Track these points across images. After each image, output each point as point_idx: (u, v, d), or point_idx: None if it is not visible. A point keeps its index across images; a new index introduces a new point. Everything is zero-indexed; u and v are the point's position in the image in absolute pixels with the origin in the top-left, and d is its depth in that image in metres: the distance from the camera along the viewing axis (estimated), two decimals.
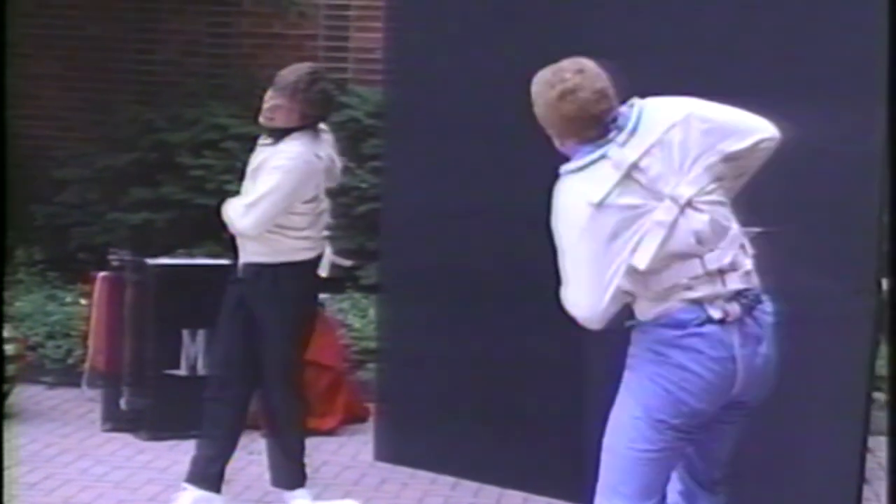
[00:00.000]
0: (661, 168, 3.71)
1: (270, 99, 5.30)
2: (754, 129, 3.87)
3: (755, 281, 3.85)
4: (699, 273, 3.74)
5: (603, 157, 3.71)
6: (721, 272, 3.77)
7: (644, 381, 3.79)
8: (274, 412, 5.48)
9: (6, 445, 6.25)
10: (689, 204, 3.72)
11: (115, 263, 6.89)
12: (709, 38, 5.24)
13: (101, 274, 6.97)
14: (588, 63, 3.78)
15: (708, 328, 3.74)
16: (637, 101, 3.80)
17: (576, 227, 3.69)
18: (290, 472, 5.49)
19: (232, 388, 5.43)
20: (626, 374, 3.87)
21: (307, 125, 5.29)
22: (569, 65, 3.78)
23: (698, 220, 3.74)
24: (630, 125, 3.74)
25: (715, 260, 3.76)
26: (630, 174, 3.69)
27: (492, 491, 5.93)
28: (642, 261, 3.68)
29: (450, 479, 6.05)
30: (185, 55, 9.91)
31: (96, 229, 9.03)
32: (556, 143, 3.84)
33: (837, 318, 4.91)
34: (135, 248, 7.61)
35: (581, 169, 3.73)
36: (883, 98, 4.76)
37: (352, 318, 7.81)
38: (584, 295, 3.72)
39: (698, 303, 3.74)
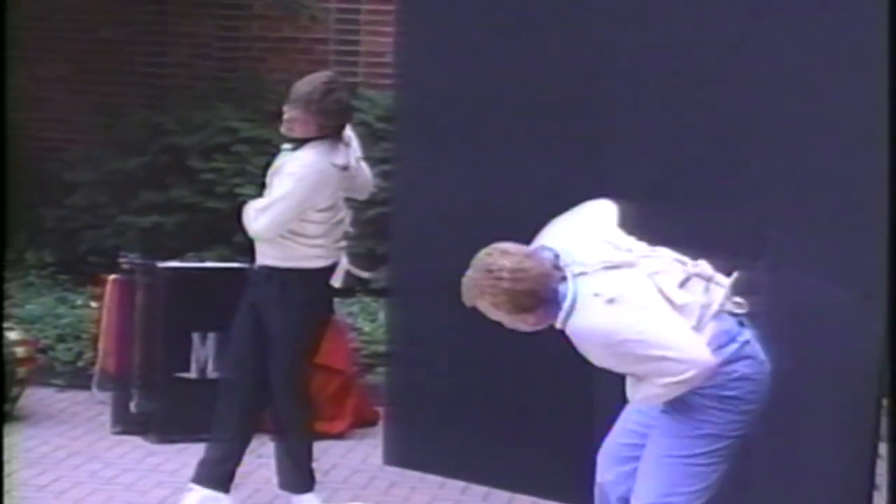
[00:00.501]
0: (612, 252, 3.98)
1: (287, 111, 5.32)
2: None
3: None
4: (703, 286, 3.98)
5: (575, 278, 3.90)
6: (710, 277, 4.04)
7: (701, 400, 3.94)
8: (279, 416, 5.49)
9: (15, 448, 6.29)
10: (648, 251, 4.02)
11: (125, 266, 6.90)
12: (714, 44, 5.24)
13: (112, 277, 6.97)
14: (500, 245, 4.00)
15: (748, 333, 3.98)
16: (544, 240, 4.06)
17: (628, 324, 3.85)
18: (298, 476, 5.50)
19: (243, 391, 5.44)
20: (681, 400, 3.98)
21: (326, 134, 5.31)
22: (489, 259, 3.97)
23: (666, 253, 4.03)
24: (563, 251, 3.98)
25: (703, 268, 4.03)
26: (607, 269, 3.92)
27: (501, 495, 5.93)
28: (679, 296, 3.89)
29: (459, 484, 6.05)
30: (195, 58, 9.92)
31: (106, 232, 9.04)
32: (532, 321, 3.98)
33: (846, 324, 4.90)
34: (145, 251, 7.62)
35: (573, 308, 3.89)
36: (885, 107, 4.76)
37: (361, 321, 7.82)
38: (689, 348, 3.84)
39: (722, 312, 3.97)
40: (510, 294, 3.91)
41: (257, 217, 5.27)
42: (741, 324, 4.00)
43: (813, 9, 5.03)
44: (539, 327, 4.01)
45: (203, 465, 5.46)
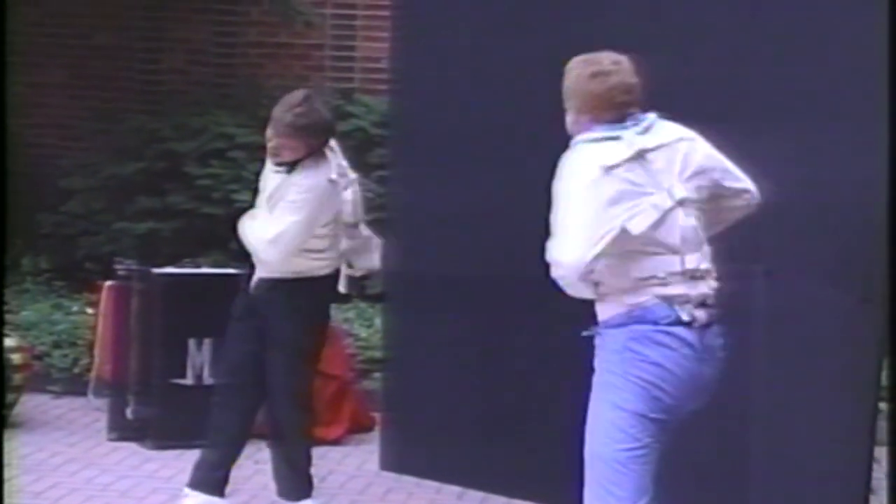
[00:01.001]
0: (663, 165, 3.98)
1: (272, 138, 5.30)
2: (745, 179, 4.20)
3: (713, 304, 4.04)
4: (676, 270, 3.95)
5: (617, 138, 3.97)
6: (693, 277, 3.98)
7: (619, 380, 3.93)
8: (279, 422, 5.48)
9: (11, 454, 6.28)
10: (681, 203, 3.97)
11: (121, 273, 6.90)
12: (715, 45, 5.23)
13: (108, 283, 6.97)
14: (627, 61, 4.07)
15: (678, 329, 3.93)
16: (654, 114, 4.08)
17: (582, 183, 3.91)
18: (296, 483, 5.49)
19: (239, 396, 5.44)
20: (598, 379, 4.00)
21: (314, 151, 5.31)
22: (609, 55, 4.08)
23: (686, 221, 3.98)
24: (644, 124, 4.03)
25: (693, 261, 3.98)
26: (638, 157, 3.94)
27: (497, 501, 5.92)
28: (637, 227, 3.90)
29: (455, 489, 6.05)
30: (191, 64, 9.93)
31: (102, 238, 9.04)
32: (570, 119, 4.09)
33: (844, 328, 4.90)
34: (141, 257, 7.62)
35: (595, 141, 3.98)
36: (885, 109, 4.76)
37: (358, 327, 7.81)
38: (574, 245, 3.87)
39: (669, 301, 3.93)
40: (577, 80, 4.05)
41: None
42: (686, 325, 3.92)
43: (814, 11, 5.03)
44: (569, 128, 4.08)
45: (198, 468, 5.46)
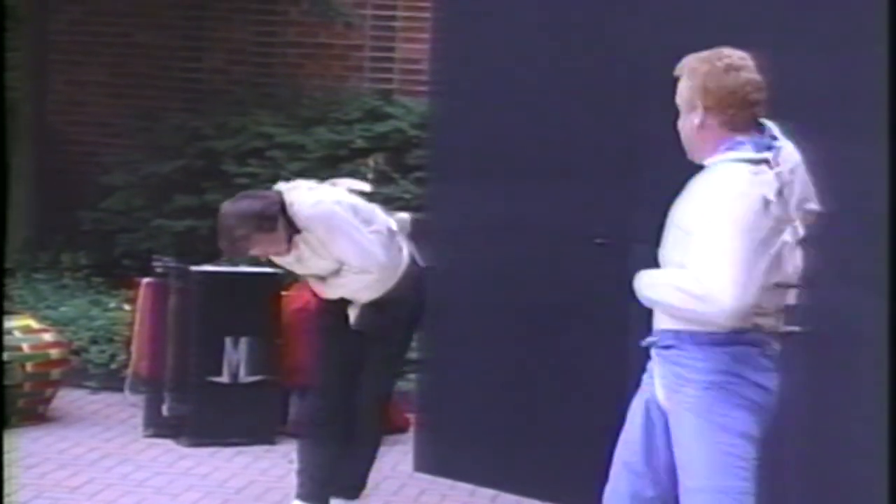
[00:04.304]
0: (793, 195, 3.71)
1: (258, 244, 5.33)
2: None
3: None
4: (780, 304, 3.75)
5: (766, 161, 3.65)
6: (783, 311, 3.79)
7: (728, 406, 3.73)
8: (360, 415, 5.49)
9: (49, 449, 6.32)
10: (800, 241, 3.75)
11: (159, 270, 6.93)
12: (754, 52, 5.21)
13: (146, 280, 7.01)
14: (750, 57, 3.72)
15: (771, 352, 3.77)
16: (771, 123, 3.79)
17: (743, 217, 3.56)
18: (360, 483, 5.54)
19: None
20: (699, 400, 3.75)
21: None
22: (731, 51, 3.71)
23: (799, 258, 3.77)
24: (777, 139, 3.71)
25: (791, 298, 3.78)
26: (782, 191, 3.66)
27: None
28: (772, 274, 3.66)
29: (489, 492, 6.04)
30: (231, 63, 9.97)
31: (141, 235, 9.09)
32: (695, 122, 3.70)
33: (886, 339, 4.86)
34: (179, 254, 7.65)
35: (749, 162, 3.62)
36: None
37: None
38: (738, 285, 3.53)
39: (760, 329, 3.74)
40: (709, 76, 3.66)
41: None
42: (772, 349, 3.79)
43: (851, 23, 5.00)
44: (689, 134, 3.71)
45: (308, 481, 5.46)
